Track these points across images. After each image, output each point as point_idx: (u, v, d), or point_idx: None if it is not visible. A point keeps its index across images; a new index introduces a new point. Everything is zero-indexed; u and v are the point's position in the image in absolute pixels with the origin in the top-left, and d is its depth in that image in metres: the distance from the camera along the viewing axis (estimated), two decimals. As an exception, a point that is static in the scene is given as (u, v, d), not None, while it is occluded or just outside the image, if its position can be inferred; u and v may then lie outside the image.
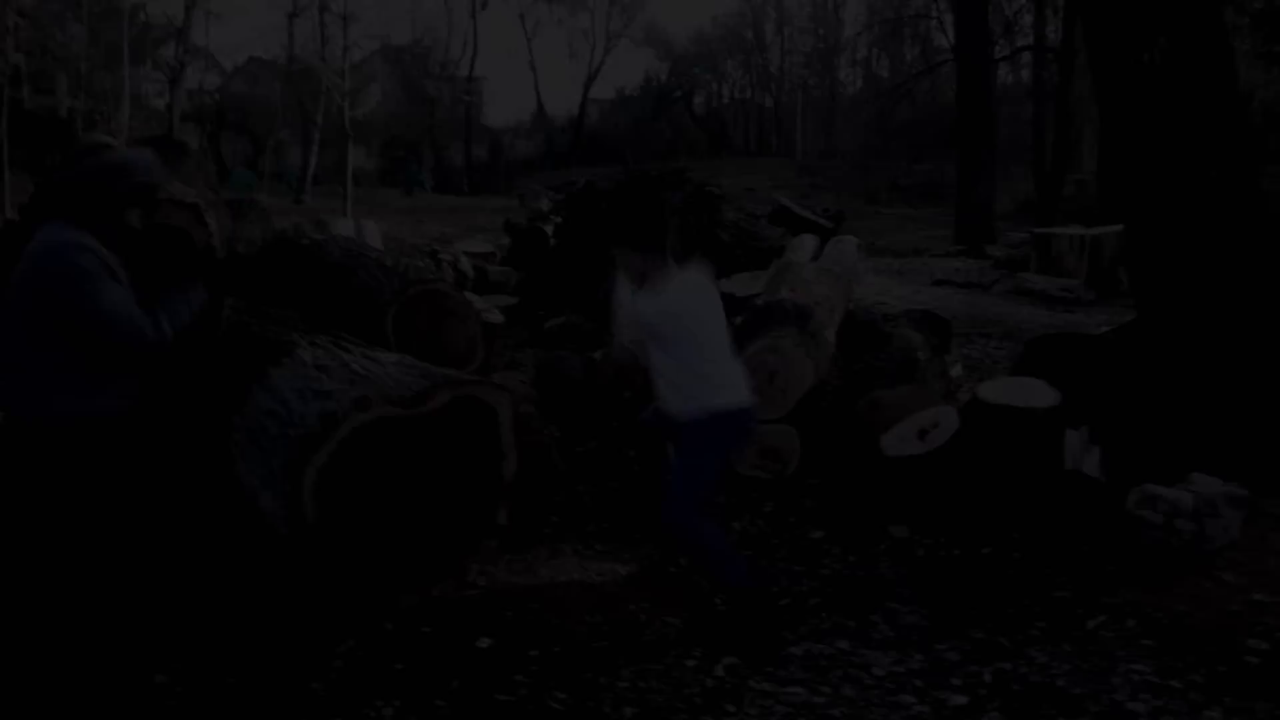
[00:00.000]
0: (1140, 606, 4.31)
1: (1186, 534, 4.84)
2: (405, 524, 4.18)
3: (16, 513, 3.28)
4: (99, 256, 3.24)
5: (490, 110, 55.11)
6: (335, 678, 3.63)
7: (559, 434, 5.05)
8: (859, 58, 53.50)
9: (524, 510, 4.80)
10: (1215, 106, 5.91)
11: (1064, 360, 5.84)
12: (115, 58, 25.68)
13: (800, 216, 14.87)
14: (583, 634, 4.05)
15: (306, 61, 32.62)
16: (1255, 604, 4.36)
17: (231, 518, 4.97)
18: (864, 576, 4.72)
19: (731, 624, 4.14)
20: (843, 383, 6.85)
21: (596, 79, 57.66)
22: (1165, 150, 5.98)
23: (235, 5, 41.59)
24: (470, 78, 49.21)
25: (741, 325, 6.15)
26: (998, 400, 5.50)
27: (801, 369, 6.16)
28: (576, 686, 3.65)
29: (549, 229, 13.73)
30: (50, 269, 3.21)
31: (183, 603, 4.18)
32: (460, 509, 4.27)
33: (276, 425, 4.18)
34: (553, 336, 9.66)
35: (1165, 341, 6.06)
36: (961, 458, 5.05)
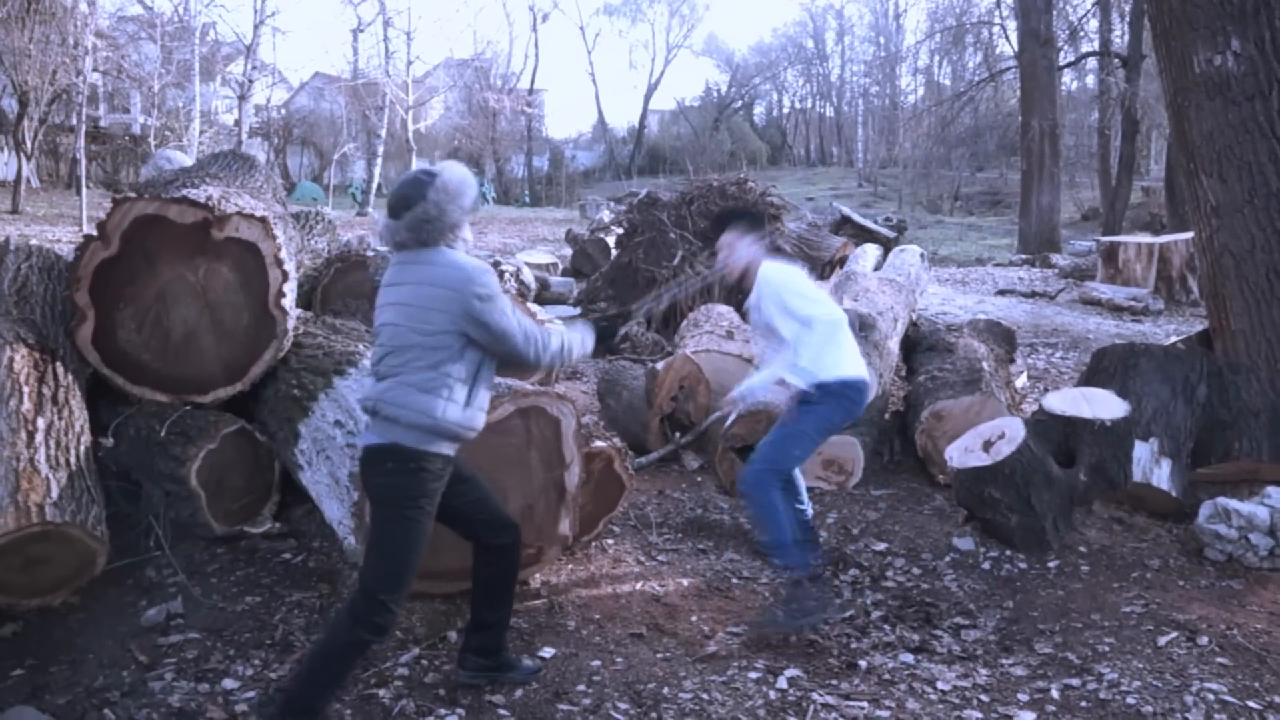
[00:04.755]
0: (1213, 623, 4.23)
1: (1262, 549, 4.74)
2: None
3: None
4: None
5: (551, 122, 55.45)
6: (400, 685, 3.66)
7: (621, 444, 5.06)
8: (920, 66, 53.01)
9: (587, 520, 4.82)
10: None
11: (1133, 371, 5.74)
12: (186, 75, 26.26)
13: (862, 226, 14.84)
14: (645, 645, 4.05)
15: (371, 76, 33.07)
16: (1334, 621, 4.26)
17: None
18: (929, 589, 4.67)
19: (775, 604, 4.32)
20: (907, 393, 6.81)
21: (656, 90, 57.89)
22: (1237, 156, 5.87)
23: (302, 22, 42.27)
24: (531, 90, 49.58)
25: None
26: (1065, 411, 5.42)
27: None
28: (639, 698, 3.65)
29: (610, 240, 13.82)
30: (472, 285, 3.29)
31: (251, 608, 4.26)
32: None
33: (343, 435, 4.25)
34: (614, 347, 9.70)
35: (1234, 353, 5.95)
36: (1027, 469, 4.98)
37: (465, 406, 3.33)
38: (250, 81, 27.81)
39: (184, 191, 4.93)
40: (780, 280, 4.46)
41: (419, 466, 3.28)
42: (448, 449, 3.35)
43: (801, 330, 4.32)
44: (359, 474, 3.50)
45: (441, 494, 3.38)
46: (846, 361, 4.40)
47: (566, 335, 3.54)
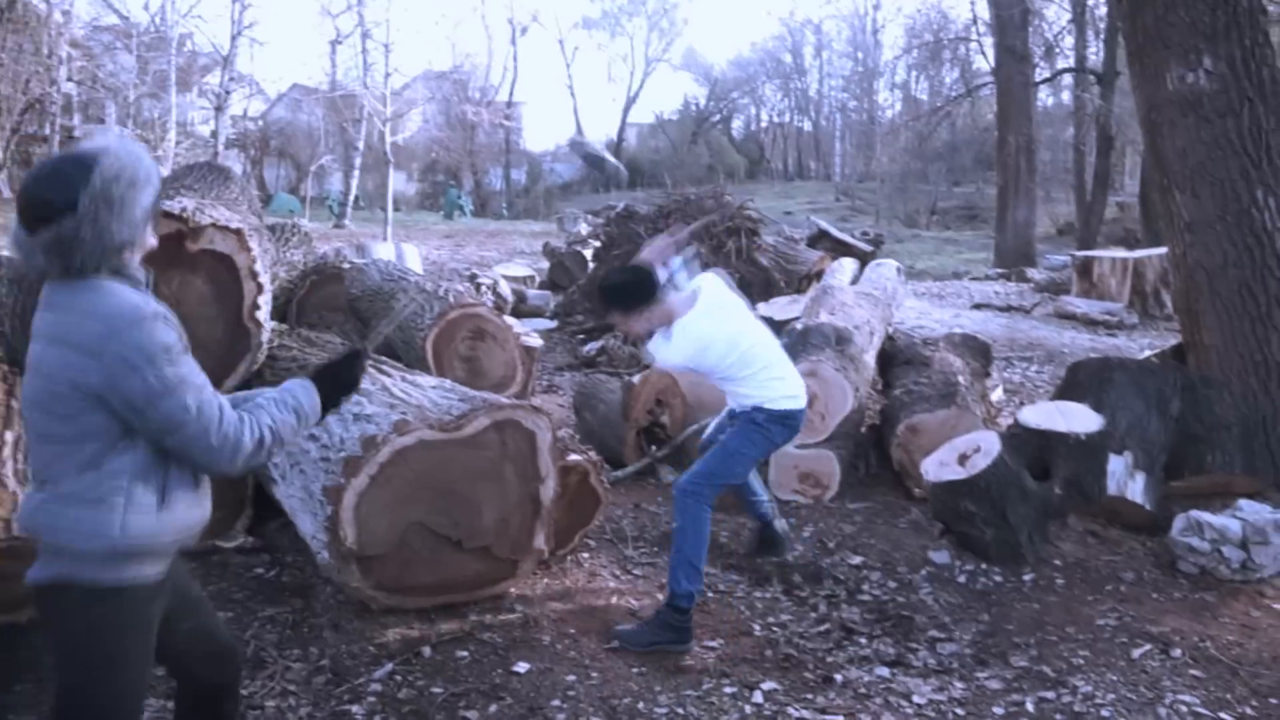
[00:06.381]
0: (1186, 635, 4.25)
1: (1234, 562, 4.77)
2: (442, 546, 4.20)
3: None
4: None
5: (529, 134, 55.48)
6: (374, 701, 3.63)
7: (597, 457, 5.04)
8: (898, 81, 53.37)
9: (562, 533, 4.80)
10: (1260, 128, 5.84)
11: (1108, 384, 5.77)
12: (162, 86, 26.13)
13: (840, 239, 14.89)
14: (621, 659, 4.03)
15: (348, 88, 33.01)
16: (1306, 634, 4.29)
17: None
18: (905, 602, 4.67)
19: (647, 622, 4.24)
20: (883, 407, 6.82)
21: (635, 103, 58.06)
22: (1210, 173, 5.92)
23: (280, 33, 42.13)
24: (510, 102, 49.58)
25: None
26: (1040, 425, 5.44)
27: (841, 393, 6.13)
28: (614, 713, 3.63)
29: (587, 253, 13.82)
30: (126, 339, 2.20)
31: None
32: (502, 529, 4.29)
33: (317, 449, 4.22)
34: (591, 360, 9.70)
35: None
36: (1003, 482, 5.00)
37: (161, 509, 2.30)
38: (227, 93, 27.73)
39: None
40: (702, 334, 4.23)
41: (103, 608, 2.27)
42: (150, 570, 2.32)
43: (739, 366, 4.31)
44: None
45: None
46: (788, 388, 4.40)
47: (274, 417, 2.39)
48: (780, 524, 5.13)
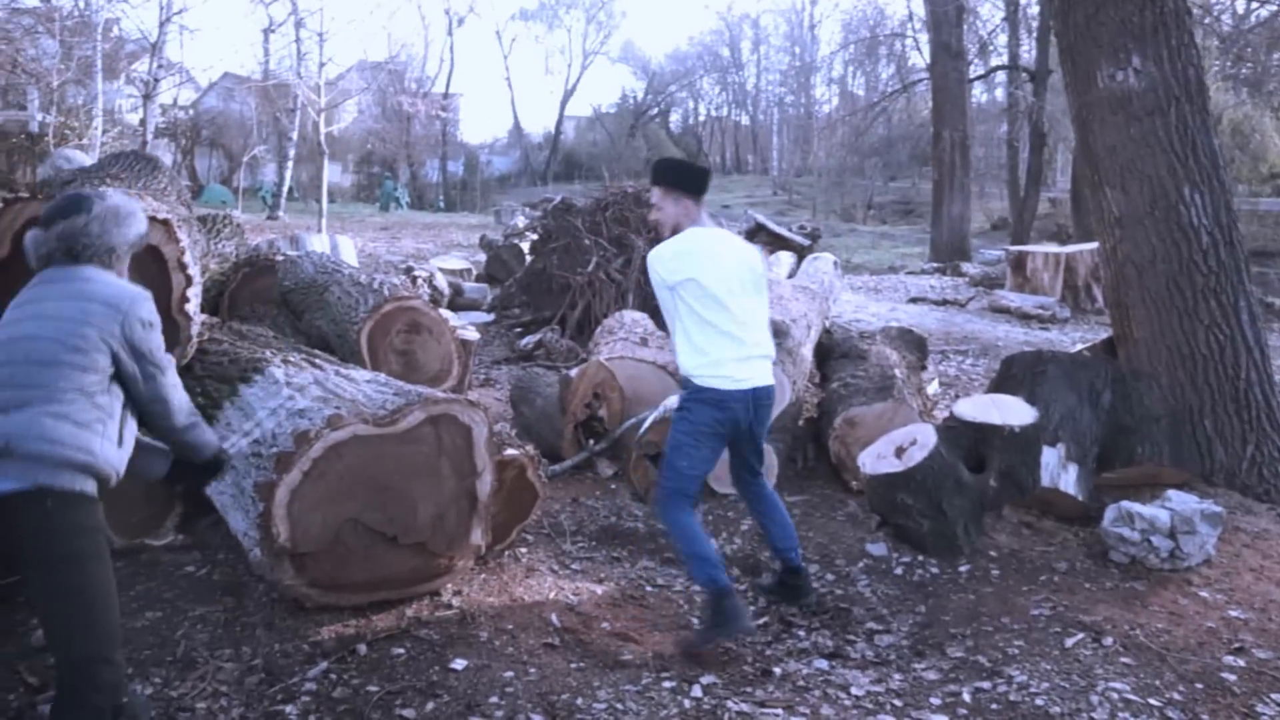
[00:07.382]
0: (1117, 624, 4.32)
1: (1163, 551, 4.85)
2: (377, 542, 4.14)
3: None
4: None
5: (466, 126, 55.09)
6: (308, 700, 3.57)
7: (535, 451, 5.00)
8: (835, 76, 53.88)
9: (500, 528, 4.76)
10: (1186, 126, 5.96)
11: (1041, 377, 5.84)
12: (88, 73, 25.45)
13: (777, 233, 14.95)
14: (559, 655, 4.01)
15: (282, 77, 32.45)
16: (1231, 620, 4.39)
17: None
18: (842, 594, 4.69)
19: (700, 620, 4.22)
20: (820, 400, 6.86)
21: (573, 96, 57.92)
22: (1139, 170, 6.02)
23: (210, 20, 41.36)
24: (446, 94, 49.13)
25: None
26: (975, 417, 5.50)
27: (779, 386, 6.14)
28: (552, 709, 3.60)
29: (525, 246, 13.73)
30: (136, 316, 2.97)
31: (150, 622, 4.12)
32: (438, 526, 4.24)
33: (249, 444, 4.14)
34: (528, 353, 9.65)
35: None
36: (939, 475, 5.04)
37: (119, 446, 2.96)
38: (156, 80, 27.10)
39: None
40: (658, 259, 4.26)
41: (73, 513, 2.81)
42: (93, 488, 2.87)
43: (694, 318, 4.17)
44: None
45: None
46: (726, 369, 4.16)
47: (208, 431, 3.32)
48: (801, 565, 4.65)
